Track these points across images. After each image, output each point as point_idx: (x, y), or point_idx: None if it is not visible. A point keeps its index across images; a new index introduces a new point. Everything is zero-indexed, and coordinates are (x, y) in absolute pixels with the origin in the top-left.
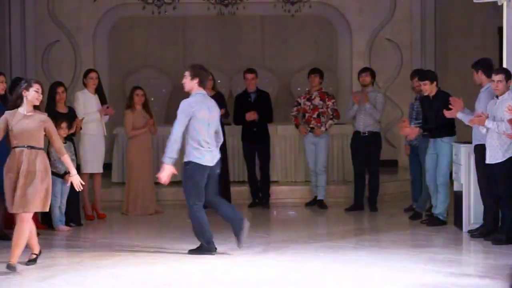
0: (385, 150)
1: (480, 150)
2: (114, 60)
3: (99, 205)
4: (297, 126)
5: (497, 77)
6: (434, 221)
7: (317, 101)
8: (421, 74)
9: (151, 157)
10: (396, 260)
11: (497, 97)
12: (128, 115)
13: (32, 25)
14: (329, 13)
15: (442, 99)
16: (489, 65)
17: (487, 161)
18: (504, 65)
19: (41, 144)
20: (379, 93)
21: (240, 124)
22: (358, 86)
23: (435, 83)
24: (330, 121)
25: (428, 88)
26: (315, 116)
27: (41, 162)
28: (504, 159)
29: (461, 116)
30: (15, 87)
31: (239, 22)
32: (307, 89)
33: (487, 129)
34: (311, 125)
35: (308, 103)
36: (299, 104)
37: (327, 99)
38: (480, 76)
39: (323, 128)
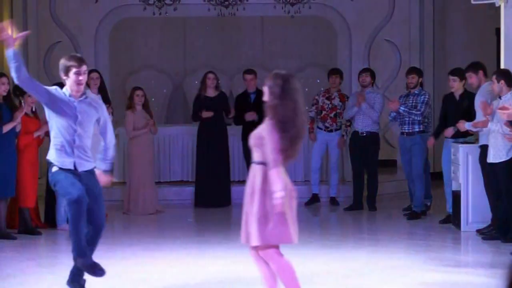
0: (383, 150)
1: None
2: (115, 61)
3: None
4: (309, 131)
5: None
6: (447, 218)
7: (336, 101)
8: (454, 70)
9: (152, 157)
10: (395, 259)
11: (500, 97)
12: (128, 116)
13: (34, 26)
14: (329, 14)
15: (467, 99)
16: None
17: (490, 160)
18: (502, 66)
19: None
20: (379, 93)
21: (240, 124)
22: (358, 87)
23: (464, 82)
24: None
25: (456, 85)
26: (332, 115)
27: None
28: (508, 158)
29: (468, 126)
30: (19, 88)
31: (239, 23)
32: (322, 88)
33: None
34: (326, 124)
35: (328, 102)
36: (317, 102)
37: (346, 101)
38: (480, 77)
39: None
